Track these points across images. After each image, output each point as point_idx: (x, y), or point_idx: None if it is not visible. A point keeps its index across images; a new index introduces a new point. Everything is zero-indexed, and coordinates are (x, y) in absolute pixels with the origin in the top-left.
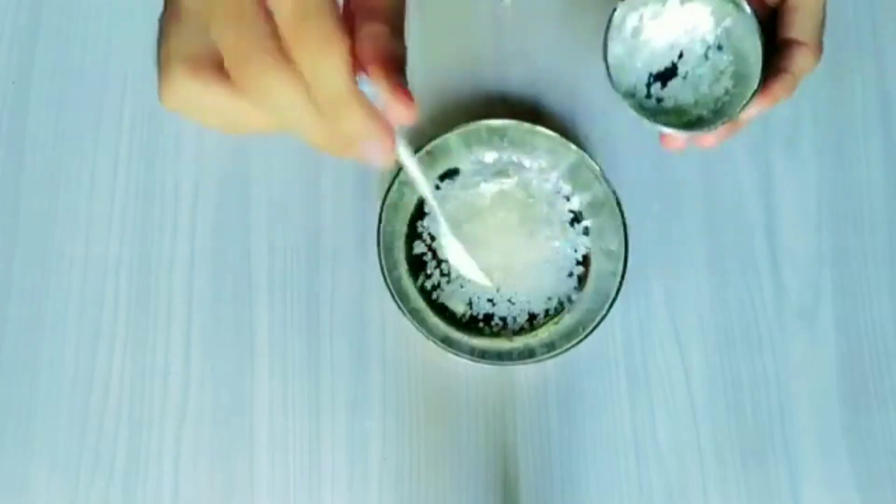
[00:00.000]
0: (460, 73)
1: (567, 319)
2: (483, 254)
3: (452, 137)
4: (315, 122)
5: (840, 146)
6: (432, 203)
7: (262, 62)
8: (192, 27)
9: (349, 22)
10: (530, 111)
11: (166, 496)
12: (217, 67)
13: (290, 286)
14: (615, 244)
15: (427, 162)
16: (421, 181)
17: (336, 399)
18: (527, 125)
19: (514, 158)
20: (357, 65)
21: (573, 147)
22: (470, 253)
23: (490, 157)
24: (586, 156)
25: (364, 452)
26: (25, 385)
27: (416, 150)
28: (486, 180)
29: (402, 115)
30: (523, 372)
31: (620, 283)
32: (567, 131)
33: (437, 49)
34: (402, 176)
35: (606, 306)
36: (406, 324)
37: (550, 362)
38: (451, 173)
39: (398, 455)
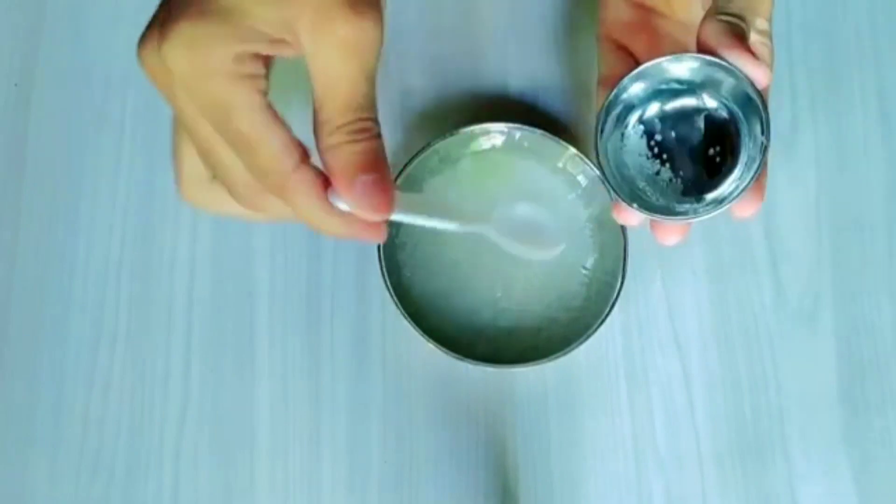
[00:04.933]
0: (462, 75)
1: (567, 322)
2: None
3: (453, 140)
4: (314, 224)
5: (839, 147)
6: (451, 228)
7: (247, 196)
8: None
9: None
10: (531, 113)
11: (166, 497)
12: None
13: (290, 287)
14: (615, 247)
15: (428, 164)
16: (434, 223)
17: (336, 401)
18: (527, 128)
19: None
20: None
21: (572, 149)
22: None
23: None
24: (585, 157)
25: (364, 454)
26: (26, 388)
27: (417, 152)
28: None
29: (376, 216)
30: (523, 375)
31: (620, 286)
32: (567, 134)
33: (439, 51)
34: (403, 177)
35: (606, 309)
36: (406, 326)
37: (550, 365)
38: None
39: (398, 457)
